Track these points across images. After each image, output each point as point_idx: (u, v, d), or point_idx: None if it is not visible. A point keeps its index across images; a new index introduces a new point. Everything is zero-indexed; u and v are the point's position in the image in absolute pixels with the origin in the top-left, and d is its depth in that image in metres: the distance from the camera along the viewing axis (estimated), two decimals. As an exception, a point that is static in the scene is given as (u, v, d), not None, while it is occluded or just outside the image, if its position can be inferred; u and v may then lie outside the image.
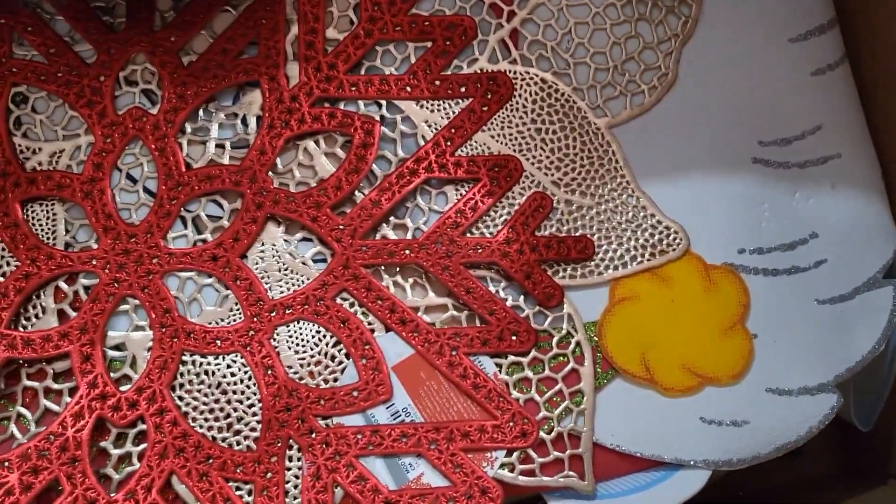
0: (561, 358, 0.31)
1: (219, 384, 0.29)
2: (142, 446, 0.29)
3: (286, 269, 0.31)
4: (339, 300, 0.30)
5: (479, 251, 0.30)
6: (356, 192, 0.31)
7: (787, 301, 0.32)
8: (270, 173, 0.31)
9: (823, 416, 0.32)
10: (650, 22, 0.33)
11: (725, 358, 0.31)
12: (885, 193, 0.35)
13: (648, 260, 0.32)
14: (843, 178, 0.34)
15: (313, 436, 0.28)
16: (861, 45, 0.36)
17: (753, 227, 0.33)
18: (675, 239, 0.32)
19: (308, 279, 0.30)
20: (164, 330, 0.29)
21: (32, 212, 0.31)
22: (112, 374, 0.29)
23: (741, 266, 0.32)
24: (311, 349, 0.30)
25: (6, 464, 0.28)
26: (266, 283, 0.30)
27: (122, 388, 0.29)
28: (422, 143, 0.32)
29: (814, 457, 0.41)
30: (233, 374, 0.29)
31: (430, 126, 0.32)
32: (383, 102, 0.32)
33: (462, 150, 0.32)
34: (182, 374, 0.29)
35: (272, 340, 0.29)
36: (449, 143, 0.31)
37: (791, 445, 0.31)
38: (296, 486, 0.28)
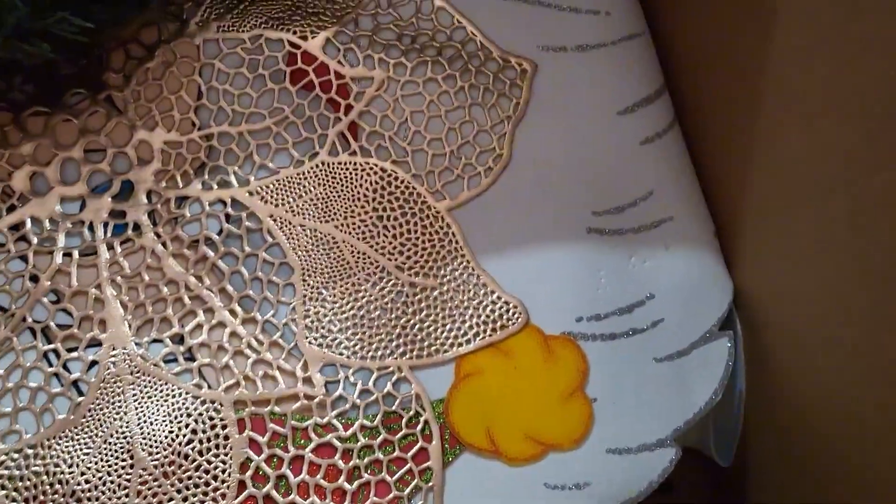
0: (410, 438, 0.32)
1: None
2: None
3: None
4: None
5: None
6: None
7: (626, 363, 0.34)
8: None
9: (662, 470, 0.34)
10: (483, 106, 0.35)
11: (566, 424, 0.33)
12: (719, 249, 0.37)
13: (490, 335, 0.33)
14: (677, 239, 0.36)
15: None
16: (689, 107, 0.38)
17: (591, 294, 0.35)
18: (514, 314, 0.34)
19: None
20: None
21: None
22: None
23: (579, 334, 0.34)
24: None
25: None
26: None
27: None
28: (268, 238, 0.33)
29: (688, 490, 0.43)
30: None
31: (274, 220, 0.33)
32: (227, 199, 0.33)
33: (306, 237, 0.33)
34: None
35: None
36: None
37: (632, 501, 0.33)
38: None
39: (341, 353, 0.33)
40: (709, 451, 0.38)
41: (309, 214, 0.33)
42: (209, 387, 0.32)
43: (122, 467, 0.31)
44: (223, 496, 0.31)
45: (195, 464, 0.31)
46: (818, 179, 0.32)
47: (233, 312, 0.32)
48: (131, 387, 0.31)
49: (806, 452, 0.36)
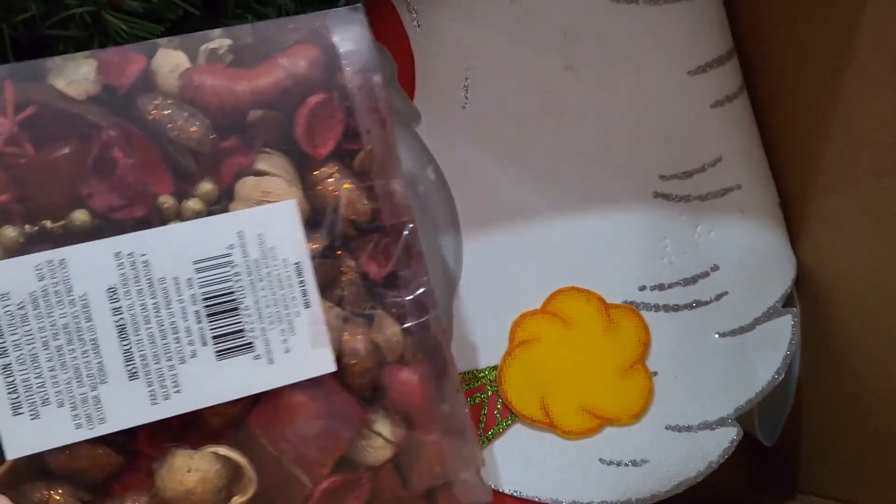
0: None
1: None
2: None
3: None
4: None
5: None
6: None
7: (688, 336, 0.33)
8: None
9: (723, 451, 0.32)
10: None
11: (625, 398, 0.31)
12: (784, 222, 0.35)
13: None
14: (743, 209, 0.34)
15: None
16: (757, 74, 0.36)
17: (654, 262, 0.33)
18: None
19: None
20: None
21: None
22: None
23: (642, 304, 0.32)
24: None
25: None
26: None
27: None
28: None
29: (727, 468, 0.42)
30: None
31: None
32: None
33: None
34: None
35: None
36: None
37: (691, 482, 0.31)
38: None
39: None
40: (751, 429, 0.36)
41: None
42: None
43: None
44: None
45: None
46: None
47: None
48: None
49: (866, 432, 0.34)
